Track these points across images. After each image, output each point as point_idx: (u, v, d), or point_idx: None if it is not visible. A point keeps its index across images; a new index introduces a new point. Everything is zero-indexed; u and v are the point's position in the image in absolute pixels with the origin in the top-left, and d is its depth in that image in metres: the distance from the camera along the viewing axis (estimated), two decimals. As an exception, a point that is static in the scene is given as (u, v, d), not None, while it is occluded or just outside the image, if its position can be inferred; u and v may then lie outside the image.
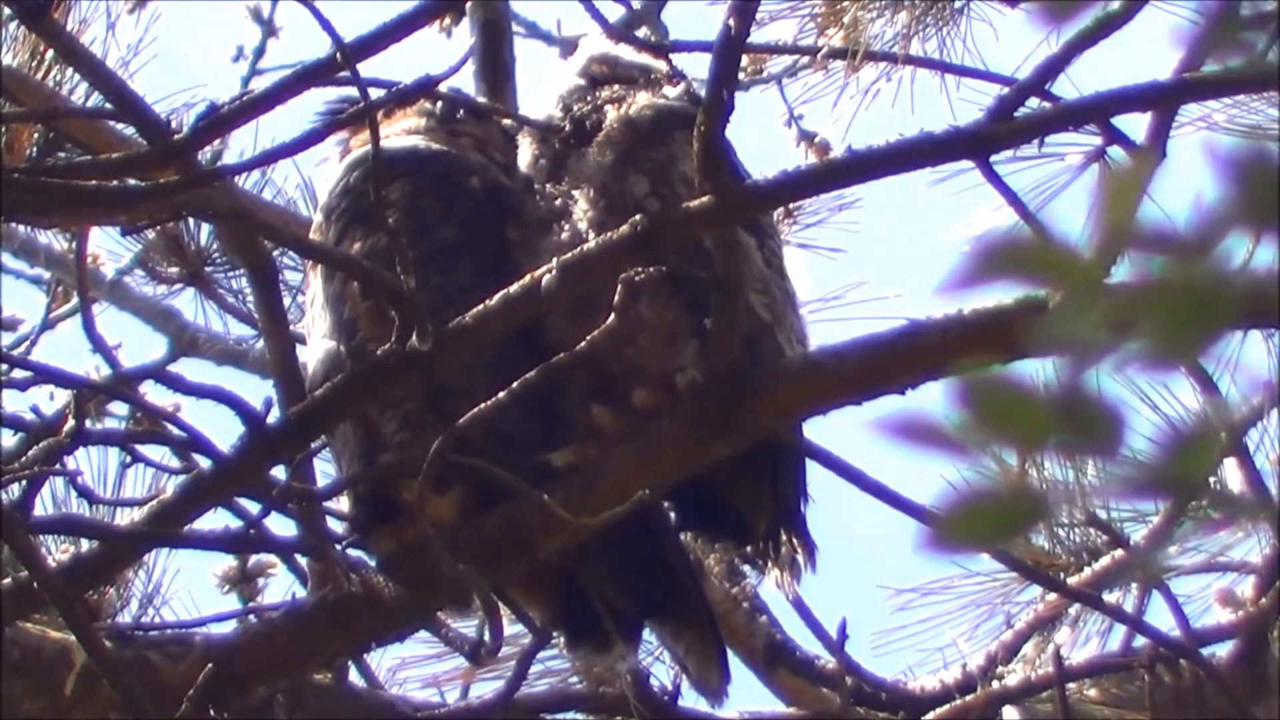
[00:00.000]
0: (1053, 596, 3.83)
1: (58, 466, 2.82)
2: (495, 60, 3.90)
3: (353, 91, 2.75)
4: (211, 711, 2.90)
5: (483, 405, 2.73)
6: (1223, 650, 3.59)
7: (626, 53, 3.21)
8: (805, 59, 4.27)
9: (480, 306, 2.77)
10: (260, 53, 4.53)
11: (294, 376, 3.04)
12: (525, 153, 3.09)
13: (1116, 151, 3.49)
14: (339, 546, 2.92)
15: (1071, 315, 1.27)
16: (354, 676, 3.23)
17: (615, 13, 4.20)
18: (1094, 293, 1.26)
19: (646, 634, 3.04)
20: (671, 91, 3.08)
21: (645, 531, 2.94)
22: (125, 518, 3.05)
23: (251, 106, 2.76)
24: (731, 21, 2.68)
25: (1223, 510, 1.35)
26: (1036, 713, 3.61)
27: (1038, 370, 1.32)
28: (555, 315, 2.91)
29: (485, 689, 3.52)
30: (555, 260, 2.77)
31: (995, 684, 3.66)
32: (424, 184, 3.03)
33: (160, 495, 2.90)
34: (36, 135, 4.05)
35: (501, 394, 2.72)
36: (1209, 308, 1.25)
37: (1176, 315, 1.25)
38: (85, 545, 2.97)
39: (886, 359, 2.81)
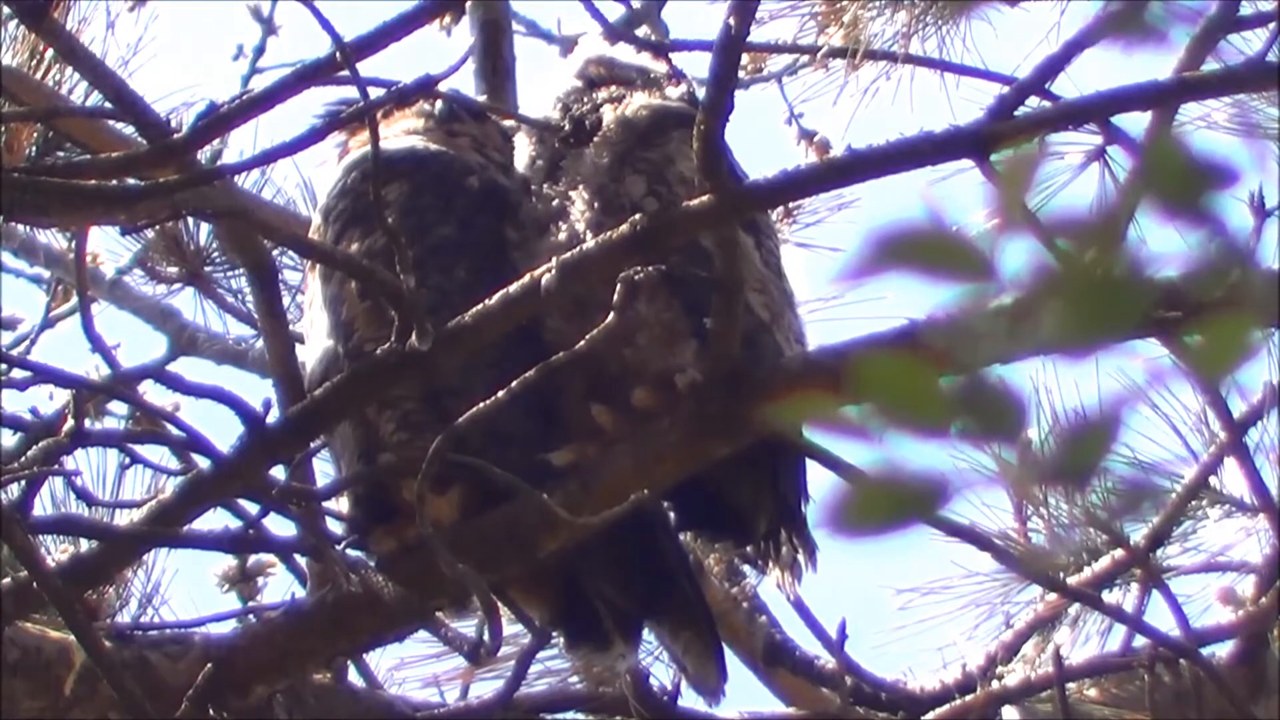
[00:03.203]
0: (1053, 596, 3.83)
1: (57, 466, 2.81)
2: (495, 59, 3.90)
3: (352, 91, 2.75)
4: (211, 711, 2.90)
5: (482, 405, 2.73)
6: (1223, 650, 3.59)
7: (623, 54, 3.21)
8: (805, 57, 4.27)
9: (479, 306, 2.77)
10: (260, 51, 4.53)
11: (294, 376, 3.04)
12: (522, 153, 3.09)
13: (1116, 151, 3.49)
14: (338, 546, 2.92)
15: (969, 304, 1.27)
16: (353, 676, 3.23)
17: (615, 12, 4.20)
18: (989, 282, 1.27)
19: (646, 633, 3.04)
20: (670, 92, 3.08)
21: (644, 531, 2.94)
22: (124, 519, 3.04)
23: (251, 106, 2.76)
24: (732, 20, 2.68)
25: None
26: (1036, 713, 3.61)
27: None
28: (554, 315, 2.91)
29: (485, 689, 3.52)
30: (555, 260, 2.77)
31: (995, 684, 3.66)
32: (422, 184, 3.03)
33: (160, 495, 2.90)
34: (36, 135, 4.05)
35: (500, 394, 2.72)
36: (1113, 295, 1.26)
37: (1080, 303, 1.26)
38: (84, 545, 2.97)
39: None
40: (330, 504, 2.93)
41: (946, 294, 1.29)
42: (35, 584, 2.72)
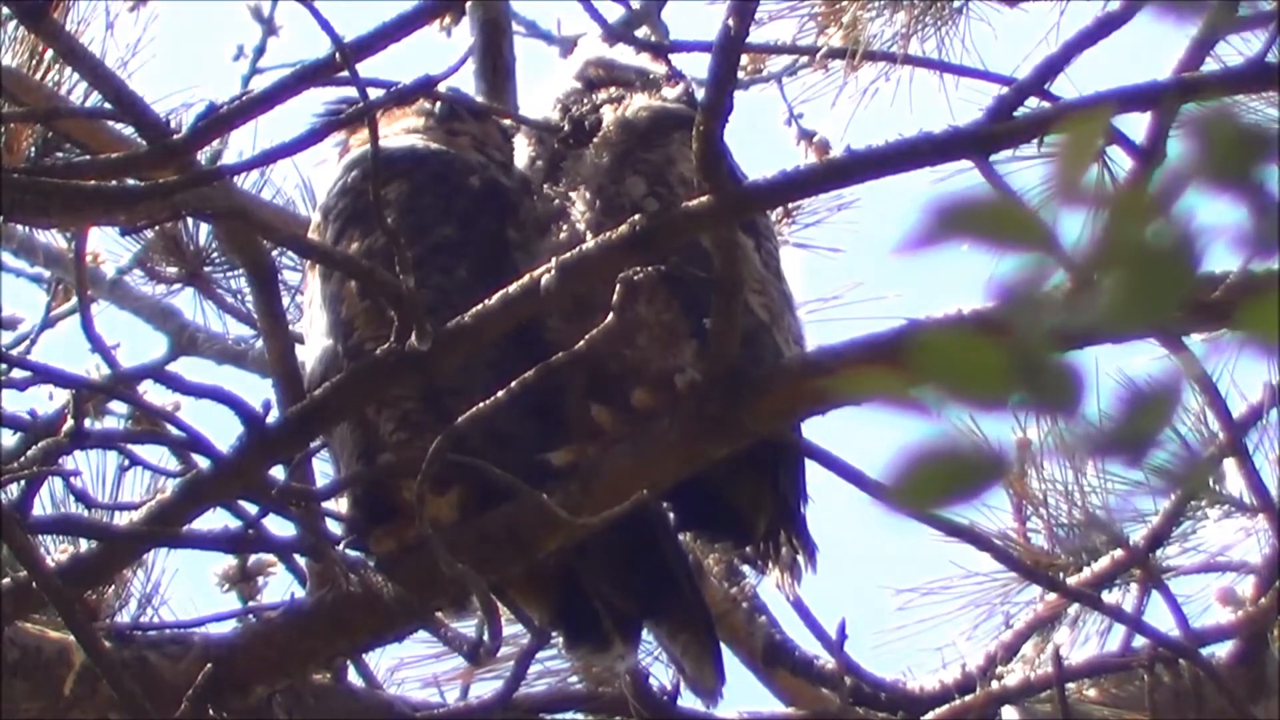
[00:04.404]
0: (1052, 596, 3.83)
1: (56, 466, 2.81)
2: (495, 60, 3.90)
3: (352, 91, 2.75)
4: (210, 711, 2.90)
5: (481, 405, 2.73)
6: (1223, 650, 3.59)
7: (623, 56, 3.21)
8: (805, 58, 4.27)
9: (479, 306, 2.78)
10: (260, 51, 4.53)
11: (293, 376, 3.04)
12: (522, 154, 3.09)
13: (1116, 151, 3.48)
14: (338, 546, 2.92)
15: (1028, 273, 1.27)
16: (353, 676, 3.23)
17: (615, 12, 4.21)
18: (1049, 252, 1.26)
19: (645, 634, 3.04)
20: (669, 92, 3.08)
21: (644, 531, 2.94)
22: (123, 521, 3.04)
23: (251, 106, 2.76)
24: (731, 21, 2.68)
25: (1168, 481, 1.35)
26: (1036, 713, 3.61)
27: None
28: (554, 315, 2.91)
29: (484, 689, 3.52)
30: (554, 260, 2.77)
31: (995, 684, 3.66)
32: (422, 183, 3.03)
33: (159, 495, 2.90)
34: (36, 135, 4.05)
35: (500, 394, 2.72)
36: (1169, 268, 1.25)
37: (1137, 275, 1.25)
38: (84, 545, 2.97)
39: (886, 359, 2.81)
40: (330, 504, 2.93)
41: (1006, 264, 1.28)
42: (35, 584, 2.72)
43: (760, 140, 4.44)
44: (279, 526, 2.88)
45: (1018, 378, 1.27)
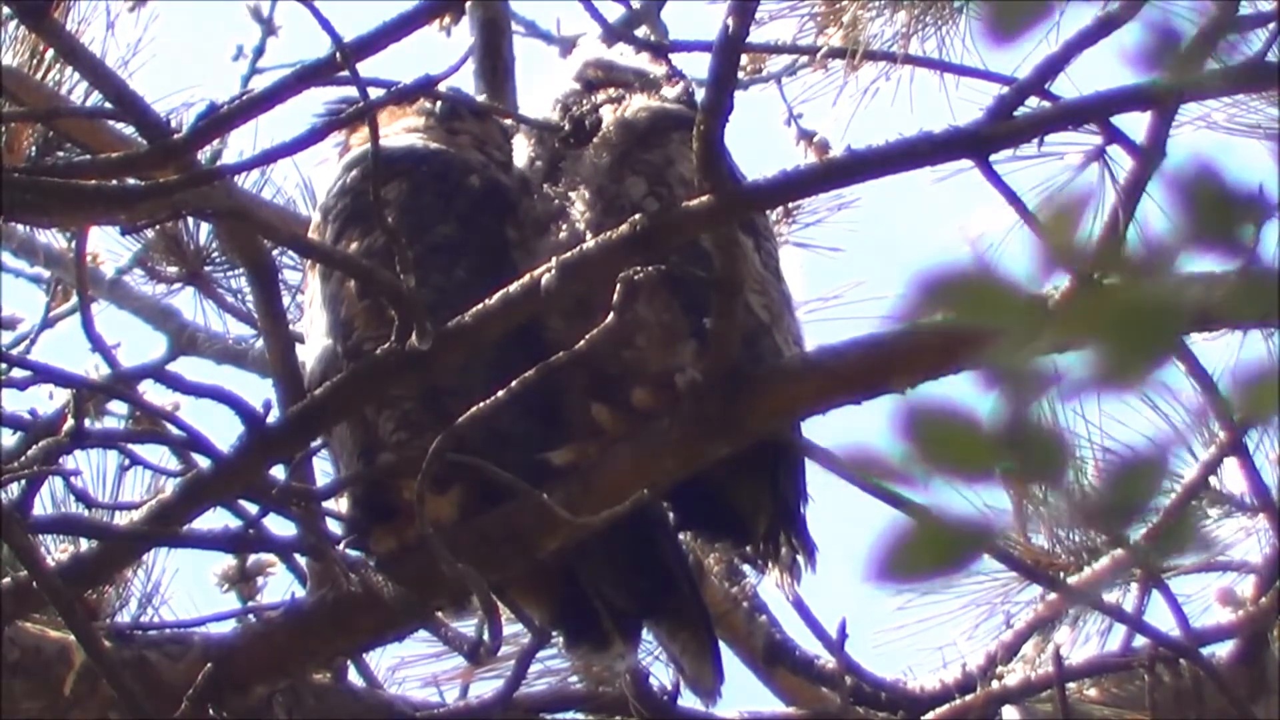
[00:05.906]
0: (1053, 596, 3.83)
1: (57, 466, 2.81)
2: (495, 59, 3.90)
3: (352, 91, 2.75)
4: (210, 711, 2.90)
5: (481, 405, 2.73)
6: (1223, 650, 3.59)
7: (621, 56, 3.21)
8: (805, 58, 4.27)
9: (479, 306, 2.78)
10: (260, 51, 4.54)
11: (293, 376, 3.04)
12: (522, 154, 3.09)
13: (1116, 150, 3.48)
14: (338, 546, 2.92)
15: (1013, 348, 1.27)
16: (353, 676, 3.23)
17: (615, 12, 4.21)
18: (1035, 323, 1.27)
19: (645, 633, 3.04)
20: (669, 92, 3.08)
21: (644, 531, 2.94)
22: (123, 520, 3.04)
23: (251, 106, 2.76)
24: (731, 21, 2.68)
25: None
26: (1036, 712, 3.61)
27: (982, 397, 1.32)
28: (554, 315, 2.91)
29: (484, 688, 3.52)
30: (555, 259, 2.77)
31: (995, 683, 3.66)
32: (422, 182, 3.03)
33: (160, 495, 2.90)
34: (36, 135, 4.05)
35: (500, 393, 2.72)
36: (1156, 328, 1.26)
37: (1123, 336, 1.26)
38: (84, 545, 2.97)
39: (886, 359, 2.82)
40: (330, 504, 2.93)
41: (991, 335, 1.29)
42: (35, 584, 2.72)
43: (760, 140, 4.44)
44: (279, 526, 2.88)
45: (1004, 449, 1.27)
